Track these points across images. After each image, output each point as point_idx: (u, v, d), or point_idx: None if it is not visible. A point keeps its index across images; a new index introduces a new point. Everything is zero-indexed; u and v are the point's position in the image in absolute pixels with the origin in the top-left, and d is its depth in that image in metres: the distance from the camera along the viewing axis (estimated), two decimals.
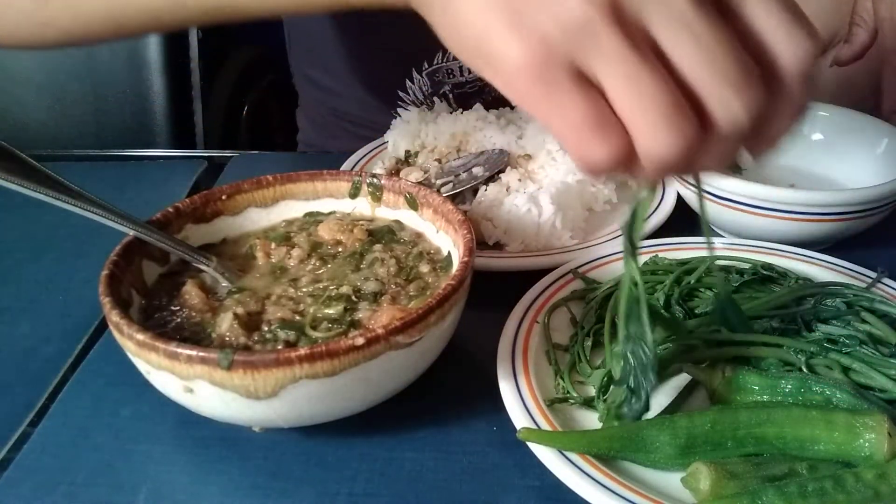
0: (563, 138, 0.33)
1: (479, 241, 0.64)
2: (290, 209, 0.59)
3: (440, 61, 0.87)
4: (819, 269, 0.58)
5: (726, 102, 0.31)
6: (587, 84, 0.32)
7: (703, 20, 0.31)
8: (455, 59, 0.86)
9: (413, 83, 0.89)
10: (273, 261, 0.53)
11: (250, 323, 0.46)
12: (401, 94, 0.90)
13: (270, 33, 1.08)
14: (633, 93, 0.31)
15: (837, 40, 0.96)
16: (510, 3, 0.32)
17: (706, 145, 0.32)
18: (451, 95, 0.89)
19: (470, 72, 0.88)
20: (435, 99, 0.87)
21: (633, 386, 0.43)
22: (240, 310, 0.47)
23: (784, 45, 0.32)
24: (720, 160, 0.34)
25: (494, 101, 0.83)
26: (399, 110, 0.80)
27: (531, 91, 0.32)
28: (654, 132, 0.31)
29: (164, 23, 0.56)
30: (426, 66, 0.87)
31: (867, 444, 0.41)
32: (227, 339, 0.45)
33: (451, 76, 0.87)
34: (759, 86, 0.32)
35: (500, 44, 0.32)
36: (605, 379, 0.48)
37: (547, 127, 0.33)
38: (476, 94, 0.89)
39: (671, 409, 0.47)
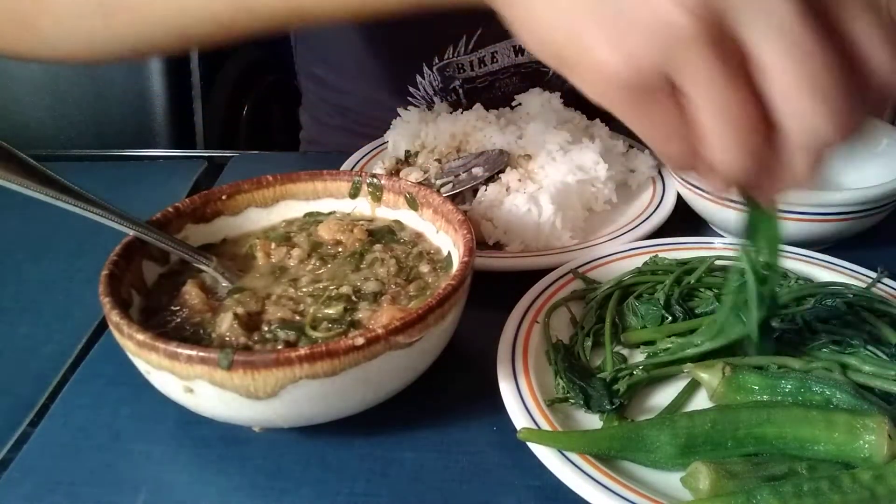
0: (646, 140, 0.34)
1: (479, 241, 0.64)
2: (290, 209, 0.58)
3: (451, 56, 0.85)
4: (819, 269, 0.58)
5: (815, 120, 0.32)
6: (673, 95, 0.32)
7: (807, 35, 0.31)
8: (466, 53, 0.85)
9: (423, 78, 0.88)
10: (273, 261, 0.53)
11: (250, 323, 0.46)
12: (411, 89, 0.89)
13: None
14: (714, 115, 0.32)
15: None
16: (600, 7, 0.32)
17: (781, 163, 0.34)
18: (461, 90, 0.88)
19: (481, 66, 0.87)
20: (435, 99, 0.87)
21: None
22: (240, 310, 0.47)
23: (882, 64, 0.32)
24: (800, 175, 0.35)
25: (504, 96, 0.82)
26: (399, 110, 0.80)
27: (617, 97, 0.33)
28: (724, 153, 0.33)
29: (229, 29, 0.54)
30: (437, 60, 0.86)
31: (867, 446, 0.41)
32: (227, 339, 0.45)
33: (461, 71, 0.86)
34: (851, 104, 0.32)
35: (590, 51, 0.32)
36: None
37: (630, 126, 0.34)
38: (486, 88, 0.88)
39: (671, 409, 0.47)
